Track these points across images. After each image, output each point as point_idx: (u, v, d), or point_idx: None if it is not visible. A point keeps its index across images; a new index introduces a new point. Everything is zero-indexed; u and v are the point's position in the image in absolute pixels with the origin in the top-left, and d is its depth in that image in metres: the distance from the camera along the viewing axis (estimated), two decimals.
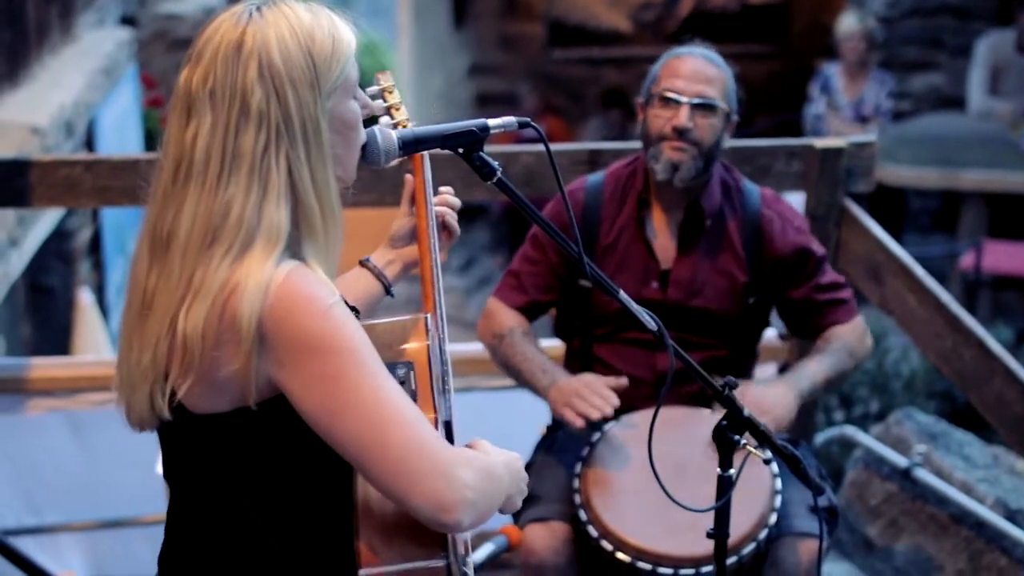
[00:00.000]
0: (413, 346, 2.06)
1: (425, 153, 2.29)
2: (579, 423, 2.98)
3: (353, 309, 1.92)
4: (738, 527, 2.82)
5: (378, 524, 1.90)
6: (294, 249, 1.86)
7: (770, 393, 3.04)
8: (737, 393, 2.87)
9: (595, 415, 2.96)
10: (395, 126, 2.25)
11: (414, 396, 1.99)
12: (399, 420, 1.82)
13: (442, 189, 2.39)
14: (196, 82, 1.86)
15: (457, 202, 2.39)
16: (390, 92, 2.33)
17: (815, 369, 3.15)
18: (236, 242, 1.82)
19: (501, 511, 2.00)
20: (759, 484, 2.95)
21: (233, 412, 1.86)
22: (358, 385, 1.82)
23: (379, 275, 2.34)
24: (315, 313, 1.81)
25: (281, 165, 1.85)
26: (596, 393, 2.99)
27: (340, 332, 1.82)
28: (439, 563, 1.89)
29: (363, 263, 2.35)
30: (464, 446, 1.97)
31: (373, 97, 2.27)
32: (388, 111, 2.31)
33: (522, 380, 3.17)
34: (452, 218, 2.37)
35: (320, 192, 1.88)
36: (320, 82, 1.87)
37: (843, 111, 8.17)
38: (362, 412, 1.81)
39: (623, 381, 3.04)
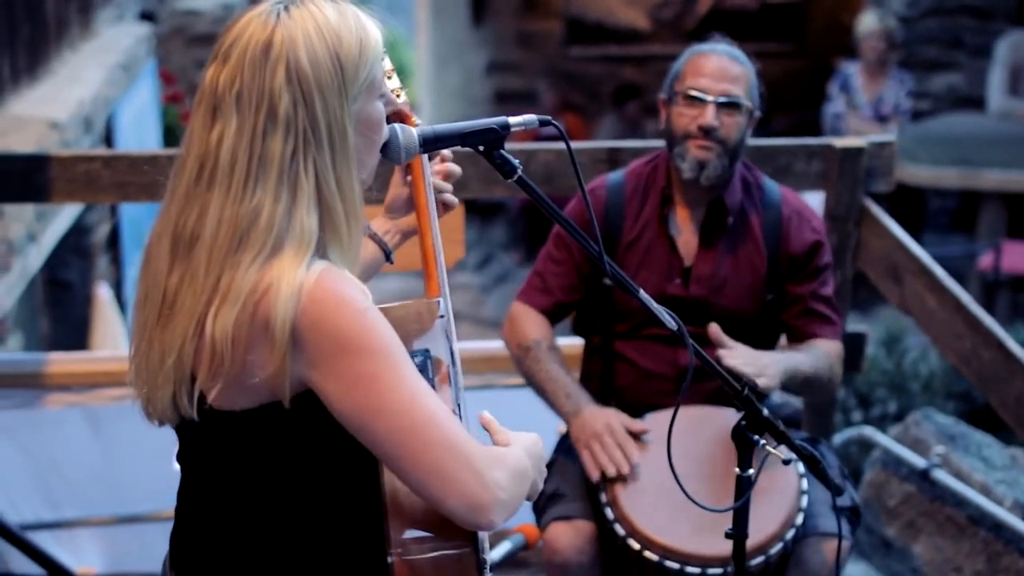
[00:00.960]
0: (428, 332, 2.05)
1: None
2: (595, 476, 2.99)
3: None
4: (765, 527, 2.82)
5: (407, 515, 1.91)
6: (320, 251, 1.85)
7: (766, 356, 3.00)
8: (728, 352, 2.85)
9: (611, 471, 2.97)
10: None
11: (432, 384, 1.99)
12: (434, 422, 1.83)
13: (443, 154, 2.32)
14: (223, 83, 1.85)
15: (457, 169, 2.33)
16: (388, 77, 2.30)
17: (801, 359, 3.09)
18: (265, 247, 1.81)
19: (527, 498, 2.01)
20: (786, 484, 2.94)
21: (261, 408, 1.86)
22: (393, 386, 1.82)
23: (379, 241, 2.32)
24: (349, 314, 1.80)
25: (309, 171, 1.84)
26: (617, 444, 3.00)
27: (374, 333, 1.82)
28: (468, 552, 1.91)
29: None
30: (478, 416, 1.97)
31: None
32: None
33: (545, 399, 3.17)
34: (449, 192, 2.31)
35: (345, 195, 1.87)
36: (347, 87, 1.86)
37: (862, 110, 8.15)
38: (397, 414, 1.81)
39: (646, 427, 3.05)
